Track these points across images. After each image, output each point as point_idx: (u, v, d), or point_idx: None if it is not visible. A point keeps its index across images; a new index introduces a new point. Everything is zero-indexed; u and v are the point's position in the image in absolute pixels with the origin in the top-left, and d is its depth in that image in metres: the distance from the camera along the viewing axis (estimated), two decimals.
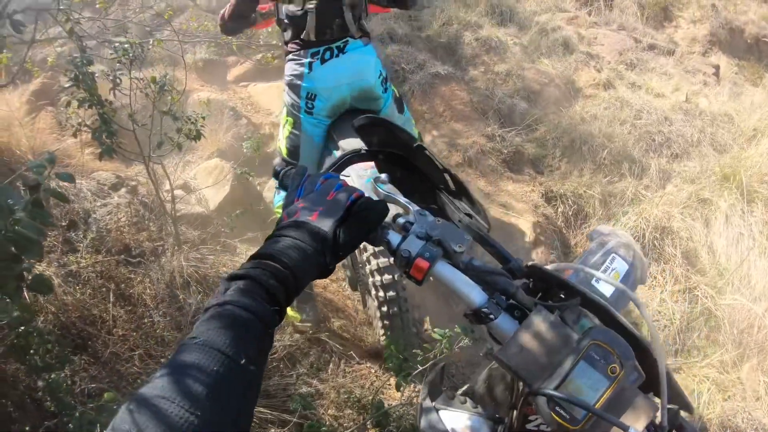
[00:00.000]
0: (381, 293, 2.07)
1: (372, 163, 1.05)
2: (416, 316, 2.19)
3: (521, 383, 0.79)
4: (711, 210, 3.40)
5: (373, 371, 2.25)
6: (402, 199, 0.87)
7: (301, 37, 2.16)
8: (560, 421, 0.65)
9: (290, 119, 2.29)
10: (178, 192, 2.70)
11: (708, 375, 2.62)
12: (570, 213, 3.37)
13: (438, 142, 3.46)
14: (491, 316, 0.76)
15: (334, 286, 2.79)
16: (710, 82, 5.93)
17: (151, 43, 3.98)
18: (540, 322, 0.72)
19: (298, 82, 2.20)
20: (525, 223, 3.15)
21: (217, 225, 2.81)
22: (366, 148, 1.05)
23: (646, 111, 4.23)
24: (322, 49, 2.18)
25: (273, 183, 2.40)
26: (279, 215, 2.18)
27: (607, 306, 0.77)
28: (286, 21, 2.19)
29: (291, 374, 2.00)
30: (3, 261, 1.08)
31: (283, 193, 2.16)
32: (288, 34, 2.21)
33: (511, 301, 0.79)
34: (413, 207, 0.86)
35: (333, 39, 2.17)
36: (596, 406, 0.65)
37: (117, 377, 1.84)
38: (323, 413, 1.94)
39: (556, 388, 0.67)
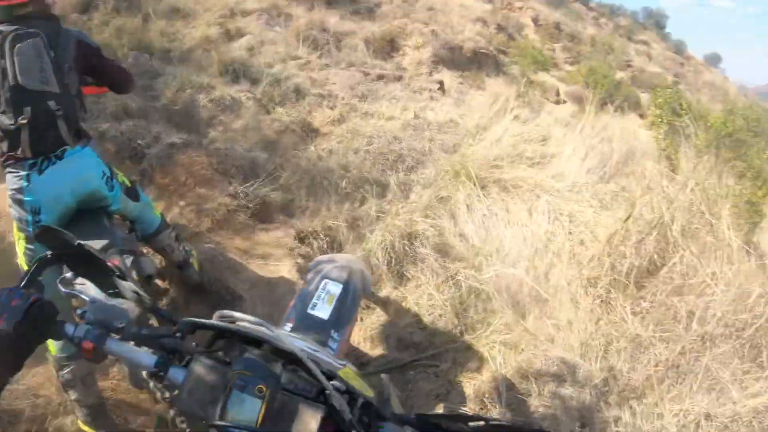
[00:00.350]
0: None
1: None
2: None
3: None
4: (452, 204, 3.79)
5: None
6: (80, 293, 1.00)
7: (17, 153, 2.07)
8: None
9: (22, 234, 2.20)
10: None
11: (496, 339, 2.83)
12: (325, 246, 3.64)
13: (185, 211, 3.54)
14: (161, 373, 0.88)
15: (123, 386, 2.65)
16: (437, 96, 6.90)
17: None
18: (199, 367, 0.85)
19: (20, 197, 2.12)
20: (285, 268, 3.40)
21: None
22: (50, 252, 1.14)
23: (377, 135, 4.69)
24: (39, 160, 2.11)
25: None
26: (50, 346, 2.13)
27: (262, 334, 0.90)
28: (0, 133, 2.09)
29: None
30: None
31: None
32: (4, 145, 2.12)
33: (180, 355, 0.92)
34: (88, 297, 0.98)
35: (48, 151, 2.11)
36: (258, 425, 0.77)
37: None
38: None
39: (220, 419, 0.78)
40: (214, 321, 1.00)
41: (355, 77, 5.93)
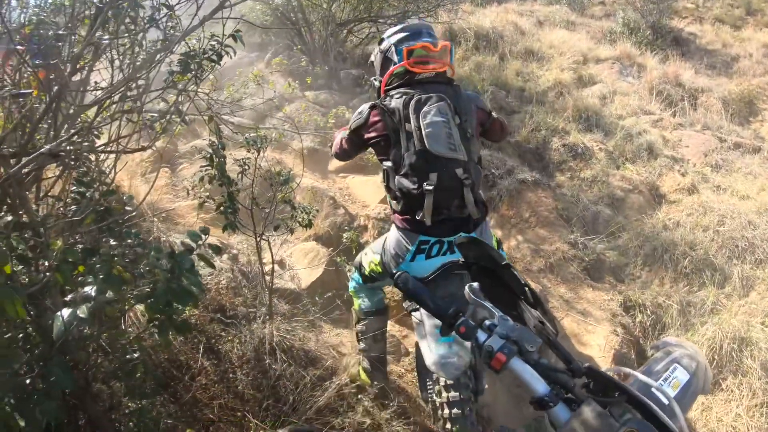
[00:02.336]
0: (449, 425, 2.06)
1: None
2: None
3: None
4: None
5: None
6: (489, 306, 1.09)
7: (416, 218, 2.04)
8: None
9: (380, 269, 2.28)
10: (275, 267, 2.84)
11: None
12: (648, 323, 3.43)
13: (522, 246, 3.69)
14: (551, 404, 0.93)
15: (409, 377, 2.91)
16: None
17: (273, 135, 4.69)
18: (588, 411, 0.88)
19: (398, 261, 2.16)
20: (602, 331, 3.27)
21: (307, 303, 2.94)
22: (462, 260, 1.31)
23: (730, 216, 4.22)
24: (432, 240, 2.08)
25: (350, 274, 2.56)
26: (355, 300, 2.52)
27: (650, 404, 0.91)
28: (397, 192, 2.08)
29: None
30: (162, 305, 1.37)
31: (354, 281, 2.48)
32: (398, 205, 2.12)
33: (569, 395, 0.95)
34: (497, 312, 1.06)
35: (449, 218, 2.06)
36: None
37: (192, 419, 1.99)
38: None
39: None
40: (609, 374, 1.00)
41: (709, 143, 5.40)
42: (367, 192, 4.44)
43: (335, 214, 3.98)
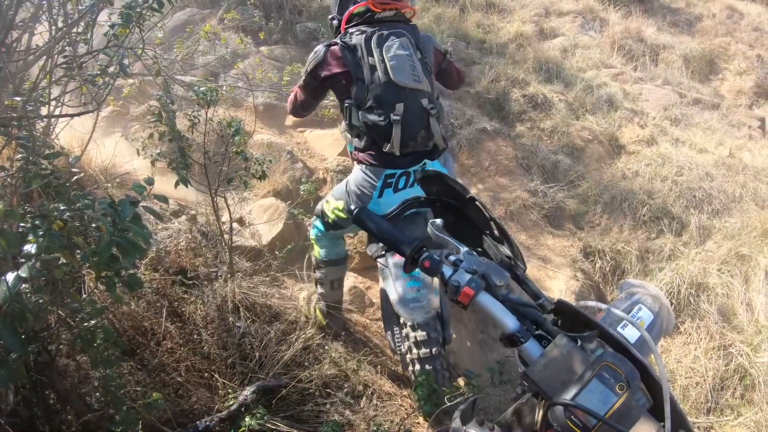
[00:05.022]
0: (418, 366, 2.14)
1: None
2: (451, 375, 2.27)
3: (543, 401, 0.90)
4: (751, 266, 3.39)
5: (404, 408, 2.35)
6: (453, 241, 1.05)
7: (384, 150, 2.07)
8: (574, 428, 0.77)
9: (342, 212, 2.27)
10: (234, 225, 2.79)
11: None
12: (608, 269, 3.50)
13: (482, 195, 3.68)
14: (522, 340, 0.90)
15: (375, 327, 2.93)
16: (756, 135, 5.92)
17: (224, 88, 4.42)
18: (562, 346, 0.87)
19: (366, 201, 2.17)
20: (562, 277, 3.32)
21: (268, 259, 2.92)
22: (425, 195, 1.24)
23: (688, 167, 4.29)
24: (398, 173, 2.11)
25: (312, 221, 2.50)
26: (315, 247, 2.47)
27: (622, 339, 0.91)
28: (361, 128, 2.10)
29: (325, 403, 2.11)
30: (107, 260, 1.31)
31: (315, 229, 2.42)
32: (361, 142, 2.14)
33: (539, 331, 0.93)
34: (462, 248, 1.03)
35: (415, 152, 2.09)
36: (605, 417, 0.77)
37: (160, 384, 1.97)
38: None
39: (572, 399, 0.79)
40: (580, 308, 0.99)
41: (669, 97, 5.40)
42: (325, 145, 4.38)
43: (293, 168, 3.93)
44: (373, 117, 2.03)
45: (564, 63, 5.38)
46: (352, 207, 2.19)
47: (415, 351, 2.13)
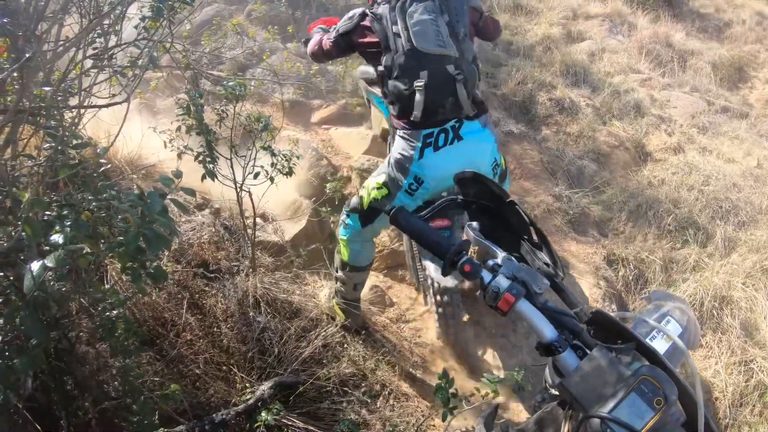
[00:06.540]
0: (440, 309, 2.44)
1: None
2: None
3: (576, 414, 0.88)
4: None
5: (420, 410, 2.33)
6: (492, 246, 1.03)
7: (411, 119, 2.07)
8: None
9: (386, 190, 2.23)
10: (257, 220, 2.80)
11: None
12: (630, 277, 3.43)
13: None
14: (559, 350, 0.89)
15: (394, 327, 2.93)
16: None
17: (252, 83, 4.46)
18: (599, 358, 0.85)
19: (407, 165, 2.13)
20: (585, 284, 3.28)
21: (291, 255, 2.91)
22: (462, 197, 1.20)
23: (715, 177, 4.22)
24: (436, 131, 2.08)
25: (341, 218, 2.49)
26: (344, 249, 2.45)
27: (658, 352, 0.89)
28: (392, 97, 2.12)
29: (342, 401, 2.10)
30: (133, 251, 1.30)
31: (349, 228, 2.40)
32: (395, 109, 2.15)
33: (576, 341, 0.91)
34: (501, 252, 1.00)
35: (445, 120, 2.07)
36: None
37: (178, 375, 1.98)
38: None
39: (609, 413, 0.77)
40: (618, 319, 0.97)
41: (697, 105, 5.32)
42: (350, 143, 4.36)
43: (318, 165, 3.92)
44: (399, 85, 2.05)
45: (591, 67, 5.31)
46: (387, 209, 2.19)
47: (436, 285, 2.34)
